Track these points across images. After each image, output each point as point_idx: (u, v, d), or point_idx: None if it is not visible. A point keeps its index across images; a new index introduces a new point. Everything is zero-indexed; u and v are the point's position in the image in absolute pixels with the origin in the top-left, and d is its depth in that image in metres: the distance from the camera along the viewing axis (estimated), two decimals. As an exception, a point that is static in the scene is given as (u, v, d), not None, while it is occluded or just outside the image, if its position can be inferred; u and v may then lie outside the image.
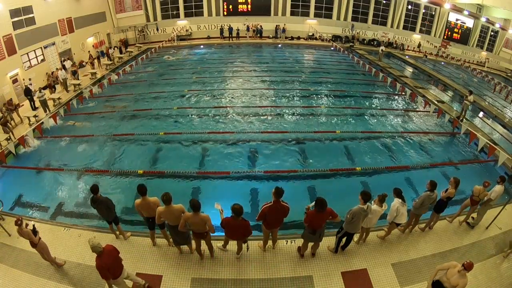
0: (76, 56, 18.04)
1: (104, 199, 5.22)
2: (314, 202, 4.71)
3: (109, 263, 4.01)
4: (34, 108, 12.29)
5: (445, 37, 27.52)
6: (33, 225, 5.16)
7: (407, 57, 24.45)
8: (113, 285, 4.26)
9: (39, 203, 7.36)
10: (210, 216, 4.71)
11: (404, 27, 27.04)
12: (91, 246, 3.95)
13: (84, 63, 18.36)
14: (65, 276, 5.11)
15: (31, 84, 13.05)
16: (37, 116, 11.53)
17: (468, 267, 3.98)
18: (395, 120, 12.20)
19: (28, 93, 12.42)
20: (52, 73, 15.35)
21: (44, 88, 14.08)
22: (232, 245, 5.56)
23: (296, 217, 6.15)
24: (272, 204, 4.75)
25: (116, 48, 21.58)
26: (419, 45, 26.80)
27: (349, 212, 4.97)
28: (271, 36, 25.95)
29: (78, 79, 15.39)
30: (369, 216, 5.16)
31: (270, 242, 5.58)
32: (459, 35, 27.65)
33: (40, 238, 5.01)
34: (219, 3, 25.24)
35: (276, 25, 25.73)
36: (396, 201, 5.34)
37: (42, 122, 10.41)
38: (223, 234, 5.21)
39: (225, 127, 10.86)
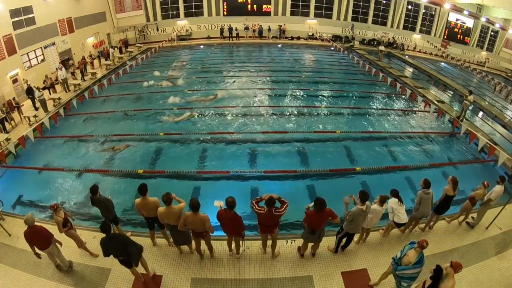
0: (76, 56, 18.02)
1: (102, 199, 5.22)
2: (313, 202, 4.69)
3: (29, 234, 4.69)
4: (36, 108, 12.29)
5: (445, 37, 27.52)
6: (65, 214, 5.40)
7: (407, 57, 24.44)
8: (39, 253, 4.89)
9: (39, 203, 7.35)
10: (210, 216, 4.70)
11: (404, 27, 27.00)
12: (24, 219, 4.60)
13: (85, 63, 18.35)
14: (65, 276, 5.11)
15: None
16: (37, 116, 11.53)
17: (455, 266, 3.70)
18: (395, 120, 12.19)
19: (30, 92, 12.41)
20: (52, 73, 15.35)
21: (43, 88, 14.08)
22: (232, 245, 5.55)
23: (296, 217, 6.16)
24: (264, 213, 4.69)
25: (116, 48, 21.57)
26: (393, 38, 26.26)
27: (348, 214, 4.96)
28: (271, 36, 25.93)
29: (83, 80, 15.50)
30: (370, 216, 5.16)
31: (269, 242, 5.56)
32: (460, 35, 27.59)
33: (71, 225, 5.37)
34: (219, 3, 25.24)
35: (280, 25, 25.78)
36: (392, 200, 5.40)
37: (43, 122, 10.41)
38: (223, 234, 5.20)
39: (225, 127, 10.84)
